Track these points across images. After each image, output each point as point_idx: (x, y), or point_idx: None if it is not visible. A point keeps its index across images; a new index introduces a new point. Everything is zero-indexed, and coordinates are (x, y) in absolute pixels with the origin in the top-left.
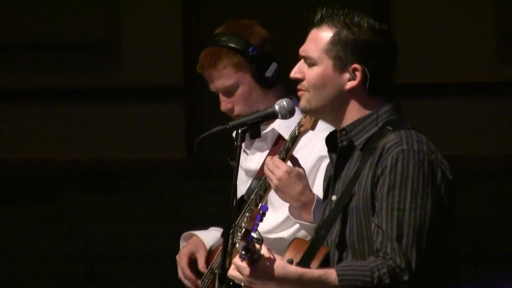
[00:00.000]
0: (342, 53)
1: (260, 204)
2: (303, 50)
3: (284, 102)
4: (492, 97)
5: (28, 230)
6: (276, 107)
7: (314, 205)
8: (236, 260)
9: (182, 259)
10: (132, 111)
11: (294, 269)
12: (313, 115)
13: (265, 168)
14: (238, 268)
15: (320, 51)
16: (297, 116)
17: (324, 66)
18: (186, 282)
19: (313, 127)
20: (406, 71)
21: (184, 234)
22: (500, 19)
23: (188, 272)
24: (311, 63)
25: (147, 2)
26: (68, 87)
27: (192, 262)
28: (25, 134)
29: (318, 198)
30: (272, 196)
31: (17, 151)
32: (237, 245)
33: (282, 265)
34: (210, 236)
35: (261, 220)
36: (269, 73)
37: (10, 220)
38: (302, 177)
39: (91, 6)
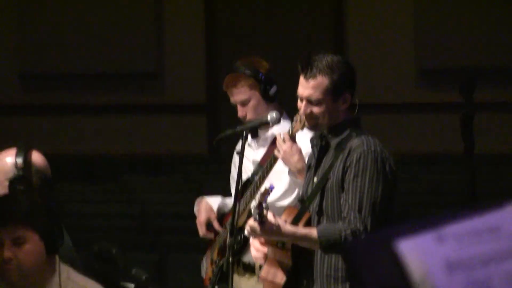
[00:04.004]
0: (336, 89)
1: (270, 184)
2: (309, 95)
3: (273, 114)
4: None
5: (99, 199)
6: (268, 117)
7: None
8: (250, 221)
9: (202, 228)
10: (170, 122)
11: (289, 227)
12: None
13: (277, 141)
14: (251, 226)
15: (322, 94)
16: (287, 122)
17: (327, 103)
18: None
19: (302, 128)
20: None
21: (197, 200)
22: (418, 57)
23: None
24: (317, 103)
25: (181, 41)
26: (125, 103)
27: (208, 223)
28: (104, 136)
29: None
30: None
31: (97, 148)
32: (252, 211)
33: (281, 224)
34: (215, 200)
35: (269, 195)
36: (271, 92)
37: (88, 192)
38: (299, 151)
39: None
